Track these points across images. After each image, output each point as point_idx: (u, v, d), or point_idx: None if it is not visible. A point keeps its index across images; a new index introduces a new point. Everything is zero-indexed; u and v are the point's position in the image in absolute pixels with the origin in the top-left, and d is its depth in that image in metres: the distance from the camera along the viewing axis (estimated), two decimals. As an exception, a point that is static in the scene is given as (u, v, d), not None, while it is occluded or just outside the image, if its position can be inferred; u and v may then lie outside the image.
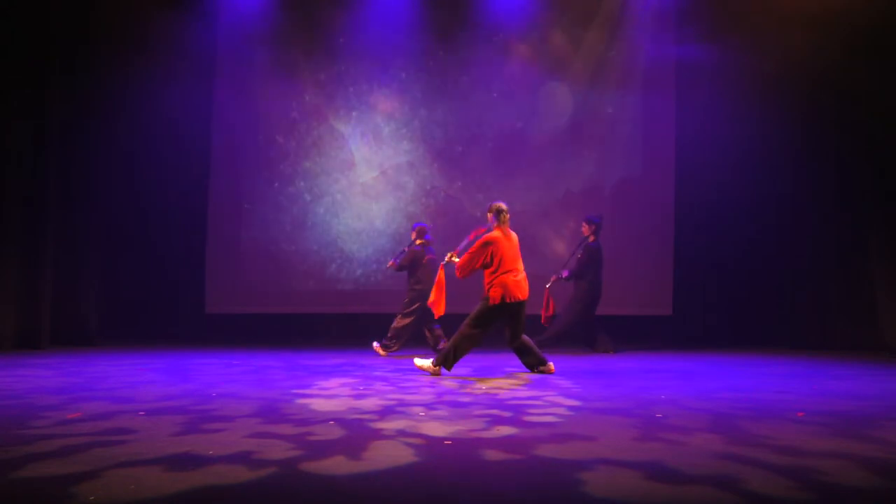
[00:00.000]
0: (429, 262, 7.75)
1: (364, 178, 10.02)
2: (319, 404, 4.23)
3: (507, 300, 5.80)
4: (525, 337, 6.05)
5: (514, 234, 6.09)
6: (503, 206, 6.04)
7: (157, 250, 9.65)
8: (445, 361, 5.85)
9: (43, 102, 8.13)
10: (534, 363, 6.04)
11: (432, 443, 3.17)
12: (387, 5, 9.94)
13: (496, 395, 4.68)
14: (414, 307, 7.70)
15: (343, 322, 9.91)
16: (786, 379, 5.67)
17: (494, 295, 5.82)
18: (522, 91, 9.87)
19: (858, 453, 3.02)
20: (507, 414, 3.91)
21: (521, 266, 5.98)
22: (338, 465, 2.79)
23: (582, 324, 8.23)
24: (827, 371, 6.28)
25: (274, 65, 10.11)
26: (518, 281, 5.88)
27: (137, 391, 4.73)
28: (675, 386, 5.15)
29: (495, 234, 5.92)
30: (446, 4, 10.02)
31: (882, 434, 3.44)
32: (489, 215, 6.06)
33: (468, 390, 4.89)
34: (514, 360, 7.06)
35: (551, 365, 6.01)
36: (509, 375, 5.88)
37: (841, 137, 8.49)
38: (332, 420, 3.70)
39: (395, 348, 7.70)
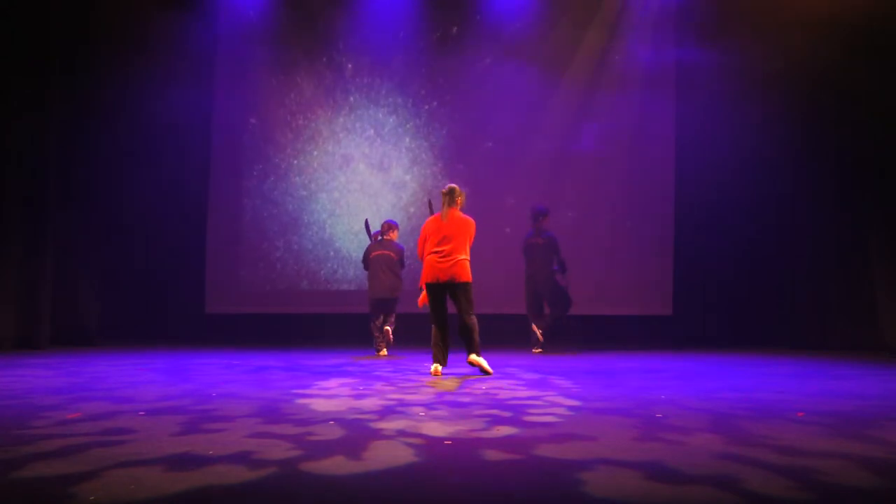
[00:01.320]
0: (375, 257, 7.79)
1: (364, 177, 10.03)
2: (319, 404, 4.23)
3: (426, 281, 5.88)
4: (468, 324, 5.83)
5: (458, 218, 5.94)
6: (446, 188, 6.05)
7: (157, 250, 9.66)
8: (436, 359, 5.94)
9: (43, 102, 8.14)
10: (467, 350, 5.97)
11: (432, 443, 3.17)
12: (387, 4, 9.94)
13: (496, 395, 4.68)
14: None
15: (343, 322, 9.91)
16: (786, 379, 5.67)
17: (422, 277, 5.98)
18: (523, 91, 9.88)
19: (858, 453, 3.01)
20: (507, 414, 3.91)
21: (449, 248, 5.82)
22: (338, 465, 2.79)
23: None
24: (827, 371, 6.28)
25: (274, 63, 10.12)
26: (438, 262, 5.81)
27: (137, 391, 4.73)
28: (675, 386, 5.15)
29: (429, 218, 6.07)
30: (447, 4, 10.03)
31: (882, 434, 3.44)
32: None
33: (468, 390, 4.89)
34: (514, 360, 7.06)
35: (473, 357, 5.86)
36: (509, 375, 5.87)
37: (841, 137, 8.50)
38: (332, 420, 3.70)
39: (384, 346, 7.75)
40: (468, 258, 5.90)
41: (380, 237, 7.93)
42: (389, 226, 7.97)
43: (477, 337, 5.86)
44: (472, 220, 6.03)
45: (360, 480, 2.59)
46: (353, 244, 9.93)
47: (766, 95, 8.92)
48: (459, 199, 6.01)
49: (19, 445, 3.05)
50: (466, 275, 5.85)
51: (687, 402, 4.35)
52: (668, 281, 9.55)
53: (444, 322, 5.98)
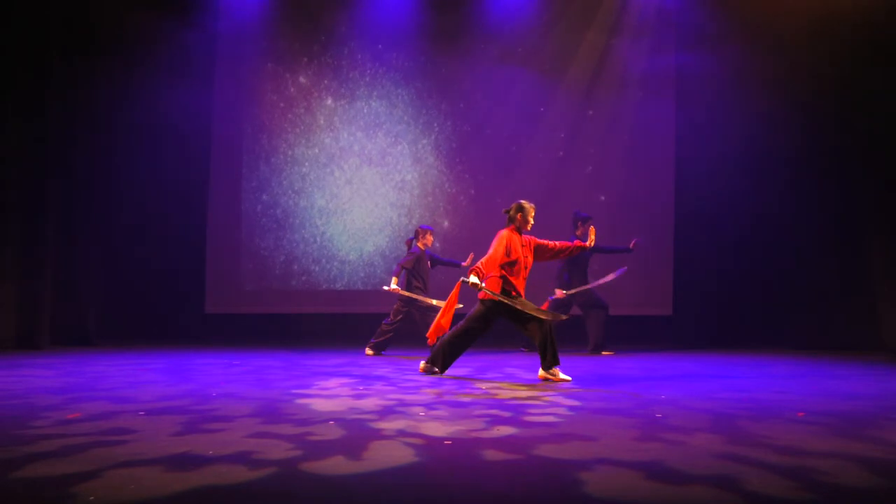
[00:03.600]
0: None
1: (365, 175, 10.02)
2: (319, 404, 4.23)
3: None
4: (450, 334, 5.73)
5: (508, 234, 5.69)
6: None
7: (157, 250, 9.64)
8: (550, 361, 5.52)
9: (43, 102, 8.13)
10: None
11: (432, 443, 3.17)
12: (388, 4, 9.94)
13: (496, 395, 4.68)
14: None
15: (343, 322, 9.91)
16: (786, 379, 5.68)
17: None
18: (524, 92, 9.89)
19: (858, 453, 3.02)
20: (507, 414, 3.91)
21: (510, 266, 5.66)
22: (338, 465, 2.79)
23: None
24: (827, 371, 6.28)
25: (274, 63, 10.11)
26: None
27: (137, 391, 4.73)
28: (675, 386, 5.15)
29: None
30: (447, 5, 10.03)
31: (882, 434, 3.44)
32: None
33: (468, 390, 4.89)
34: (513, 360, 7.06)
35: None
36: (509, 375, 5.88)
37: (841, 138, 8.51)
38: (332, 420, 3.70)
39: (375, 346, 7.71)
40: (493, 275, 5.55)
41: (413, 243, 7.81)
42: (416, 231, 7.85)
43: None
44: (509, 235, 5.66)
45: (360, 480, 2.59)
46: (351, 243, 9.93)
47: (766, 97, 8.92)
48: (519, 216, 5.70)
49: (19, 445, 3.05)
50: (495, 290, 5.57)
51: (687, 402, 4.35)
52: (668, 281, 9.55)
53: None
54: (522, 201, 5.77)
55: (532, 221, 5.76)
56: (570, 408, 4.15)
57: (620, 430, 3.48)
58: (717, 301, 9.44)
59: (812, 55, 8.55)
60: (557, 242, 5.87)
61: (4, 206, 7.92)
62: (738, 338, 9.16)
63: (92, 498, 2.33)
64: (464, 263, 7.81)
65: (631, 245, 8.05)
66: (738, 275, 9.37)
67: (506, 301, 5.52)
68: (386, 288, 7.63)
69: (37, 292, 8.04)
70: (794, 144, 8.86)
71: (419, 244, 7.73)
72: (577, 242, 5.91)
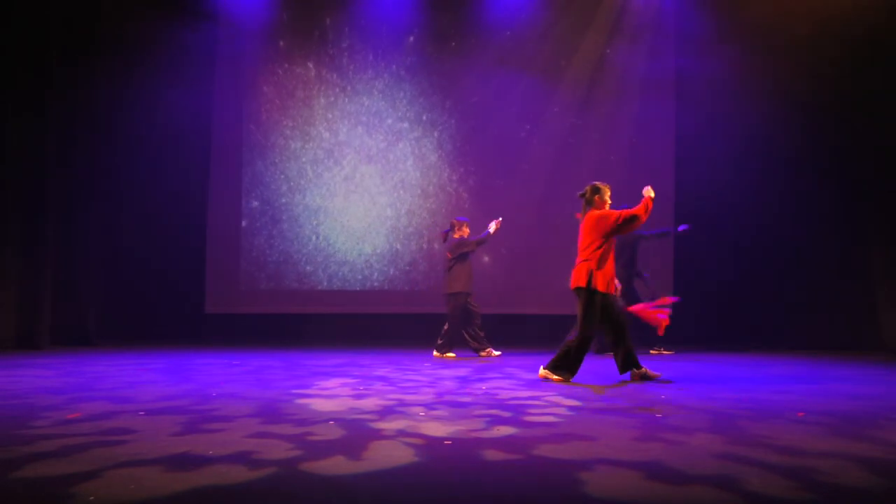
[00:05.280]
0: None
1: (365, 175, 10.01)
2: (319, 404, 4.23)
3: None
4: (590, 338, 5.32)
5: (586, 217, 5.38)
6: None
7: (157, 250, 9.64)
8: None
9: (43, 102, 8.13)
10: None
11: (432, 443, 3.18)
12: (389, 3, 9.94)
13: (496, 395, 4.68)
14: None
15: (343, 322, 9.90)
16: (786, 379, 5.68)
17: None
18: (524, 92, 9.88)
19: (858, 453, 3.02)
20: (507, 414, 3.91)
21: (581, 250, 5.34)
22: (338, 465, 2.79)
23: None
24: (827, 371, 6.28)
25: (275, 61, 10.10)
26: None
27: (137, 391, 4.73)
28: (675, 386, 5.15)
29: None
30: (449, 4, 10.02)
31: (882, 434, 3.44)
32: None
33: (468, 390, 4.89)
34: (513, 360, 7.05)
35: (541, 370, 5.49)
36: (509, 375, 5.87)
37: (841, 138, 8.51)
38: (332, 420, 3.70)
39: (478, 347, 7.62)
40: (588, 260, 5.23)
41: (449, 235, 7.72)
42: (451, 224, 7.79)
43: (561, 354, 5.31)
44: (594, 213, 5.31)
45: (360, 480, 2.59)
46: (350, 243, 9.92)
47: (766, 97, 8.92)
48: (596, 198, 5.39)
49: (19, 445, 3.05)
50: (576, 279, 5.27)
51: (687, 402, 4.35)
52: (669, 281, 9.55)
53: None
54: (597, 182, 5.44)
55: (609, 202, 5.46)
56: (570, 408, 4.15)
57: (620, 430, 3.48)
58: (717, 301, 9.44)
59: (812, 55, 8.55)
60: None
61: (4, 206, 7.92)
62: (738, 338, 9.16)
63: (92, 498, 2.33)
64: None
65: (679, 229, 7.84)
66: (738, 275, 9.36)
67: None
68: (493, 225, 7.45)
69: (37, 292, 8.04)
70: (794, 144, 8.85)
71: (456, 237, 7.67)
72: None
